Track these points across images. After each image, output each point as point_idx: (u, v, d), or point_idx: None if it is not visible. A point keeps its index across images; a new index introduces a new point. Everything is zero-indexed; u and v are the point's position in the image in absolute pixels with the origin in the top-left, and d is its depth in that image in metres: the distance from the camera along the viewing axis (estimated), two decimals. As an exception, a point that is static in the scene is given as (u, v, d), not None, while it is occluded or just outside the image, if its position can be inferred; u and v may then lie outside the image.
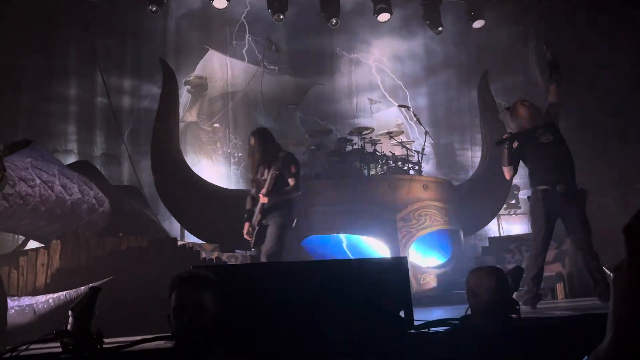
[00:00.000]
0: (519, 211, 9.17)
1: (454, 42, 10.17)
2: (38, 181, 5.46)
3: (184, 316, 2.04)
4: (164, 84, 7.32)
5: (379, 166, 7.34)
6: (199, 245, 6.64)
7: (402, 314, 2.74)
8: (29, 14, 7.72)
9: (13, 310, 4.19)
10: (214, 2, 8.78)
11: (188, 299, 2.08)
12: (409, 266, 3.02)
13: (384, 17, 9.56)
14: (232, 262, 6.04)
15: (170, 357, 2.23)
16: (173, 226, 7.92)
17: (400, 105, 9.33)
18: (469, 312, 2.56)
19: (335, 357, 2.46)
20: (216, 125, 9.72)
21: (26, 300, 4.39)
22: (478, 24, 9.67)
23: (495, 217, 8.54)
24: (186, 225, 7.17)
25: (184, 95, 9.50)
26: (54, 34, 8.25)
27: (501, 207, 8.22)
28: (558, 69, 4.56)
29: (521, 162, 4.51)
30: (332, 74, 10.30)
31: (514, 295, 3.32)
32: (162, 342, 2.82)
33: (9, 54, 7.37)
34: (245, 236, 4.68)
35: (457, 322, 2.68)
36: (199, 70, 9.81)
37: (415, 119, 8.31)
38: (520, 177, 7.01)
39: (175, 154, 7.09)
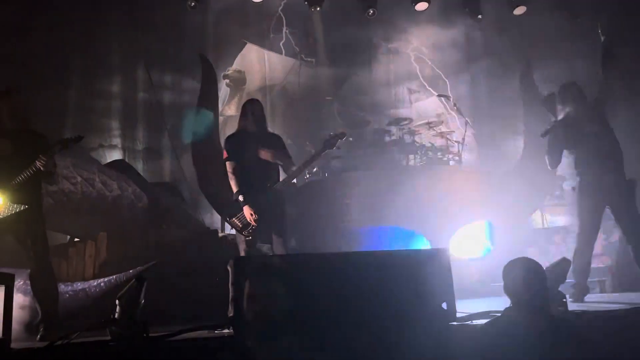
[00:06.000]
0: (563, 202, 8.90)
1: (495, 29, 9.91)
2: (79, 179, 5.66)
3: (257, 304, 2.09)
4: (203, 79, 7.41)
5: (418, 157, 7.25)
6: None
7: (444, 305, 2.71)
8: (72, 13, 7.93)
9: (67, 295, 4.38)
10: (251, -4, 8.82)
11: (263, 287, 2.13)
12: (450, 258, 2.98)
13: (422, 5, 9.39)
14: (272, 253, 6.09)
15: (220, 343, 2.28)
16: (214, 219, 8.04)
17: (440, 95, 9.16)
18: (510, 304, 2.52)
19: (379, 348, 2.45)
20: (255, 118, 9.79)
21: (79, 285, 4.59)
22: (519, 10, 9.39)
23: (539, 208, 8.32)
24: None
25: (223, 89, 9.60)
26: (97, 31, 8.46)
27: (545, 198, 8.00)
28: (612, 57, 4.39)
29: (566, 152, 4.37)
30: (370, 64, 10.20)
31: (561, 288, 3.25)
32: (206, 331, 2.88)
33: (55, 52, 7.59)
34: None
35: (500, 314, 2.64)
36: (237, 64, 9.89)
37: (455, 109, 8.16)
38: (566, 167, 6.80)
39: (216, 147, 7.18)
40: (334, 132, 4.47)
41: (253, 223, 3.96)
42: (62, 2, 7.77)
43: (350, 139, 7.49)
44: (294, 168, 4.20)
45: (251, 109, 4.20)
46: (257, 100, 4.40)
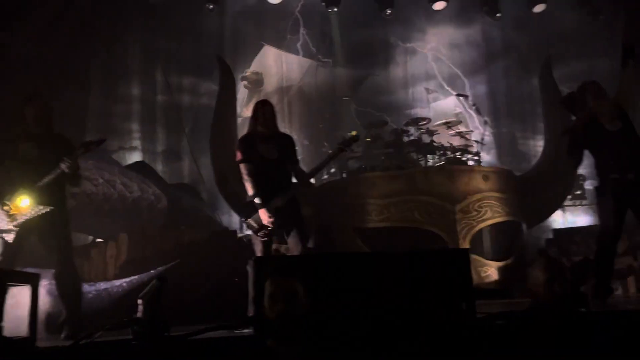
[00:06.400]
0: (584, 202, 8.78)
1: (513, 27, 9.82)
2: (101, 180, 5.76)
3: (279, 304, 2.10)
4: (221, 81, 7.46)
5: (437, 157, 7.22)
6: (258, 237, 6.76)
7: (464, 306, 2.70)
8: (94, 19, 8.06)
9: (90, 295, 4.46)
10: (268, -2, 8.89)
11: (283, 287, 2.13)
12: (470, 258, 2.97)
13: (439, 5, 9.37)
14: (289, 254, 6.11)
15: (240, 343, 2.30)
16: (232, 219, 8.10)
17: (458, 95, 9.11)
18: (531, 304, 2.50)
19: (397, 348, 2.45)
20: (272, 119, 9.81)
21: (102, 285, 4.67)
22: (539, 7, 9.30)
23: (560, 208, 8.22)
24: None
25: (241, 91, 9.65)
26: (117, 36, 8.59)
27: (566, 198, 7.90)
28: (633, 54, 4.31)
29: (587, 152, 4.31)
30: (387, 64, 10.16)
31: (583, 289, 3.21)
32: (226, 330, 2.91)
33: (77, 58, 7.71)
34: None
35: (520, 315, 2.62)
36: (254, 65, 9.94)
37: (474, 108, 8.10)
38: (586, 167, 6.71)
39: (234, 149, 7.21)
40: (347, 135, 4.46)
41: (269, 225, 3.96)
42: (84, 8, 7.89)
43: (368, 139, 7.47)
44: (308, 172, 4.24)
45: (261, 110, 4.22)
46: (267, 100, 4.42)
